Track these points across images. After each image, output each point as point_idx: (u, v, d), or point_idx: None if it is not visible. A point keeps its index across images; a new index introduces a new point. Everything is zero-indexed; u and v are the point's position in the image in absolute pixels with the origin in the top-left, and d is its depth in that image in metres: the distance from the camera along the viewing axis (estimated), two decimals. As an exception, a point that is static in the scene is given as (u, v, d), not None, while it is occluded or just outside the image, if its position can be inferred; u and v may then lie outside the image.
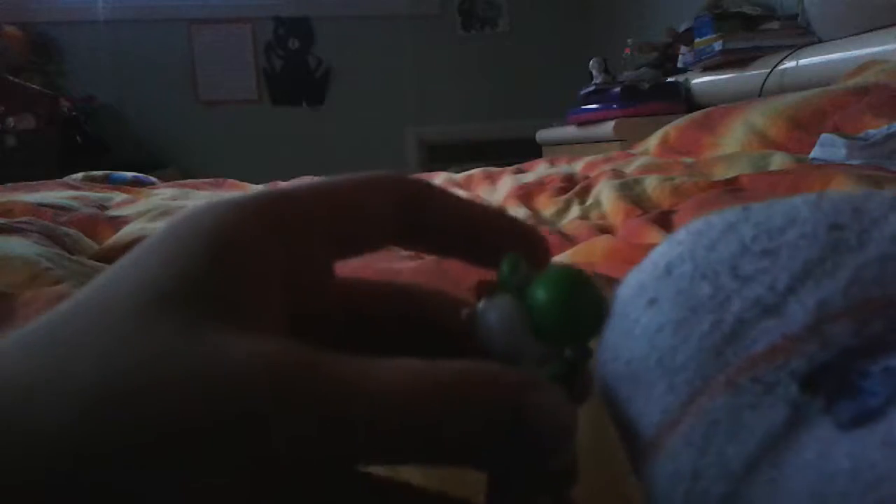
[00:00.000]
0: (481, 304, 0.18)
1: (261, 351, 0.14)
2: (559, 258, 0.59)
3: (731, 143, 1.23)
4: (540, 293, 0.17)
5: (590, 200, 0.92)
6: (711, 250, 0.17)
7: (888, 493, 0.13)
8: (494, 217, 0.20)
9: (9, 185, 1.27)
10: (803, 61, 1.65)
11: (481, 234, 0.20)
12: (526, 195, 1.01)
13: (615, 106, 2.18)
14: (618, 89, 2.19)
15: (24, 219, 0.82)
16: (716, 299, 0.16)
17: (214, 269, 0.15)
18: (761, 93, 1.70)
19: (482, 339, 0.17)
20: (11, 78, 2.59)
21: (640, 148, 1.50)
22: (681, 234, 0.19)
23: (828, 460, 0.14)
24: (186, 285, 0.15)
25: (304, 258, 0.17)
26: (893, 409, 0.14)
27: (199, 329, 0.14)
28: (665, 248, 0.18)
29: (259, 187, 1.42)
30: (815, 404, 0.14)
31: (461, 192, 1.18)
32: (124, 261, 0.16)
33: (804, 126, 1.11)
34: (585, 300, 0.18)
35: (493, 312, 0.17)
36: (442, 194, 0.20)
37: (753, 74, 1.80)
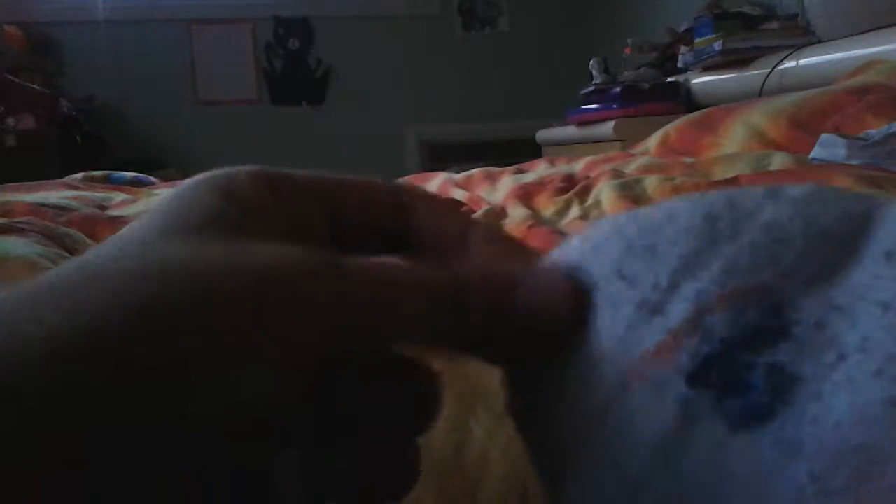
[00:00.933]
0: None
1: (295, 250, 0.15)
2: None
3: (731, 143, 1.23)
4: None
5: (590, 200, 0.92)
6: (598, 253, 0.17)
7: (780, 495, 0.13)
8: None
9: (9, 185, 1.27)
10: (803, 61, 1.65)
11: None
12: (526, 195, 1.01)
13: (615, 106, 2.18)
14: (618, 89, 2.19)
15: (24, 219, 0.82)
16: (608, 306, 0.16)
17: (222, 212, 0.17)
18: (761, 93, 1.70)
19: None
20: (11, 78, 2.59)
21: (640, 148, 1.50)
22: (573, 239, 0.19)
23: (721, 462, 0.14)
24: (214, 219, 0.16)
25: (304, 226, 0.18)
26: (782, 406, 0.14)
27: (215, 242, 0.15)
28: (559, 254, 0.18)
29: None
30: (704, 400, 0.14)
31: (459, 193, 1.18)
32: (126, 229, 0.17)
33: (804, 126, 1.11)
34: None
35: None
36: (429, 205, 0.20)
37: (753, 74, 1.80)
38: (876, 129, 0.90)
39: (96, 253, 0.15)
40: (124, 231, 0.16)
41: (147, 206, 1.07)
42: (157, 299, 0.13)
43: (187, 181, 0.18)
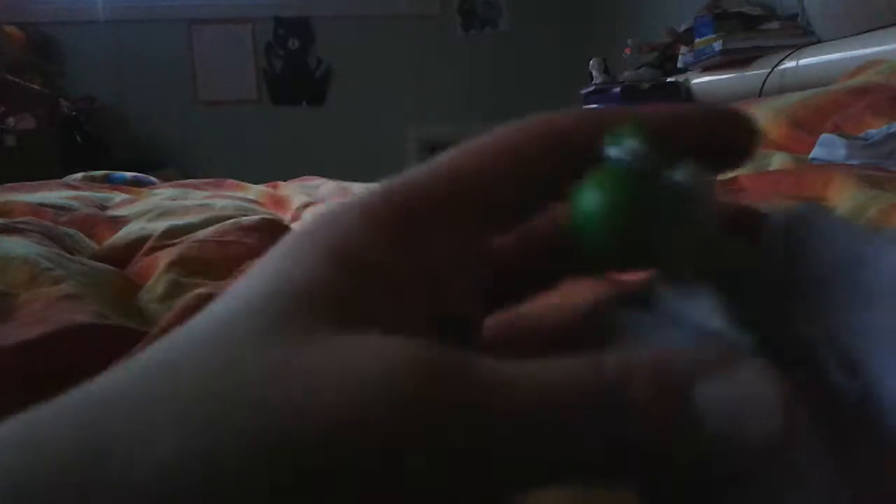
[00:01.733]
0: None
1: (407, 351, 0.13)
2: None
3: (731, 143, 1.23)
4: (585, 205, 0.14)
5: (590, 200, 0.92)
6: None
7: None
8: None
9: (9, 185, 1.27)
10: (803, 61, 1.65)
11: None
12: (526, 195, 1.01)
13: (615, 106, 2.18)
14: (618, 89, 2.19)
15: (24, 219, 0.82)
16: None
17: (346, 278, 0.14)
18: (761, 93, 1.70)
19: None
20: (11, 78, 2.59)
21: (640, 148, 1.50)
22: None
23: None
24: (319, 293, 0.14)
25: (442, 253, 0.15)
26: None
27: (338, 333, 0.13)
28: None
29: (260, 188, 1.42)
30: None
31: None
32: (251, 277, 0.15)
33: (804, 126, 1.11)
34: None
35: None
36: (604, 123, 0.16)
37: (753, 74, 1.80)
38: (876, 129, 0.90)
39: (187, 355, 0.13)
40: (216, 322, 0.14)
41: (146, 206, 1.07)
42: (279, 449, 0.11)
43: (292, 235, 0.15)
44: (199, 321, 0.14)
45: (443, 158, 0.16)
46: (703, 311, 0.14)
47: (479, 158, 0.16)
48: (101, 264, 0.68)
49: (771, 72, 1.72)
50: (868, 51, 1.43)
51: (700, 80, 2.12)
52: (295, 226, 0.88)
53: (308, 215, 0.92)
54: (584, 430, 0.12)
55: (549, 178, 0.16)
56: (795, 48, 1.70)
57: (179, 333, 0.13)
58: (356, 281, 0.14)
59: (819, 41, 1.69)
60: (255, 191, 1.38)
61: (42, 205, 1.00)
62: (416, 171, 0.16)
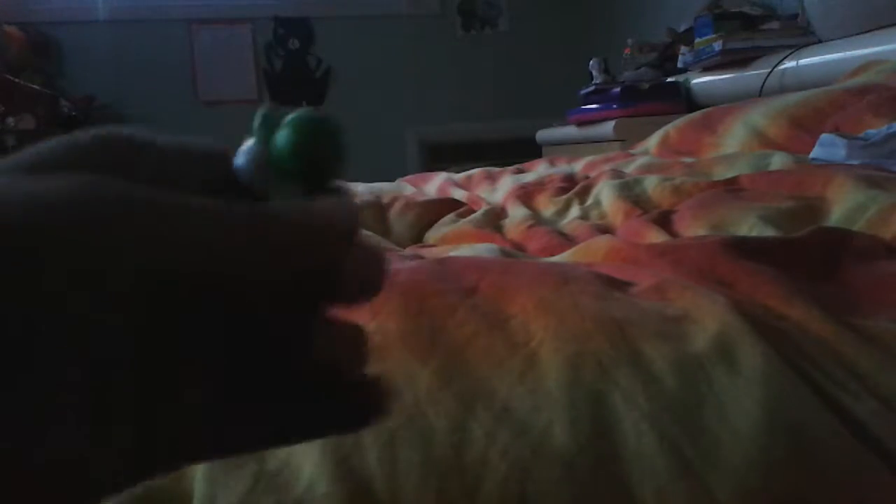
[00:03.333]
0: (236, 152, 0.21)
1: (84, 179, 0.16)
2: (558, 258, 0.59)
3: (732, 143, 1.23)
4: (279, 138, 0.20)
5: (590, 200, 0.92)
6: None
7: None
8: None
9: (9, 185, 1.27)
10: (803, 61, 1.65)
11: None
12: (526, 195, 1.01)
13: (615, 106, 2.18)
14: (618, 89, 2.19)
15: (24, 219, 0.82)
16: None
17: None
18: (761, 93, 1.70)
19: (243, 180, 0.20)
20: (11, 78, 2.59)
21: (640, 148, 1.50)
22: None
23: None
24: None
25: None
26: None
27: None
28: None
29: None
30: None
31: (459, 193, 1.18)
32: None
33: (804, 126, 1.11)
34: (319, 144, 0.20)
35: (240, 157, 0.20)
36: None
37: (753, 74, 1.80)
38: (876, 129, 0.90)
39: None
40: None
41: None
42: None
43: None
44: None
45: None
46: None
47: None
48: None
49: (771, 72, 1.72)
50: (868, 51, 1.43)
51: (700, 80, 2.12)
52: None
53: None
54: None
55: None
56: (795, 48, 1.70)
57: None
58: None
59: (819, 41, 1.69)
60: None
61: (42, 205, 1.00)
62: None
